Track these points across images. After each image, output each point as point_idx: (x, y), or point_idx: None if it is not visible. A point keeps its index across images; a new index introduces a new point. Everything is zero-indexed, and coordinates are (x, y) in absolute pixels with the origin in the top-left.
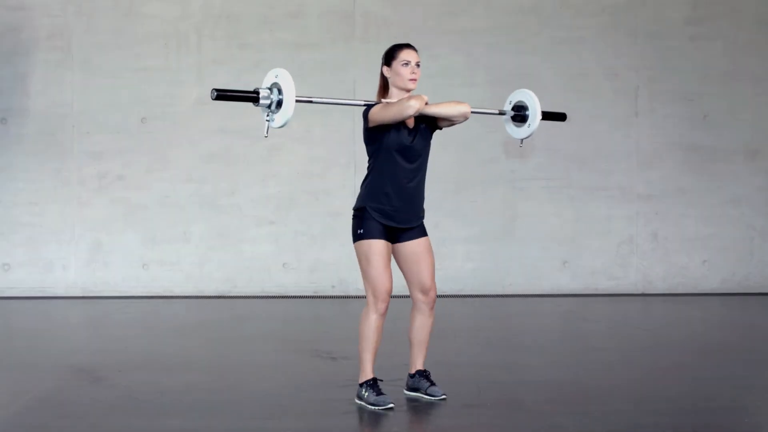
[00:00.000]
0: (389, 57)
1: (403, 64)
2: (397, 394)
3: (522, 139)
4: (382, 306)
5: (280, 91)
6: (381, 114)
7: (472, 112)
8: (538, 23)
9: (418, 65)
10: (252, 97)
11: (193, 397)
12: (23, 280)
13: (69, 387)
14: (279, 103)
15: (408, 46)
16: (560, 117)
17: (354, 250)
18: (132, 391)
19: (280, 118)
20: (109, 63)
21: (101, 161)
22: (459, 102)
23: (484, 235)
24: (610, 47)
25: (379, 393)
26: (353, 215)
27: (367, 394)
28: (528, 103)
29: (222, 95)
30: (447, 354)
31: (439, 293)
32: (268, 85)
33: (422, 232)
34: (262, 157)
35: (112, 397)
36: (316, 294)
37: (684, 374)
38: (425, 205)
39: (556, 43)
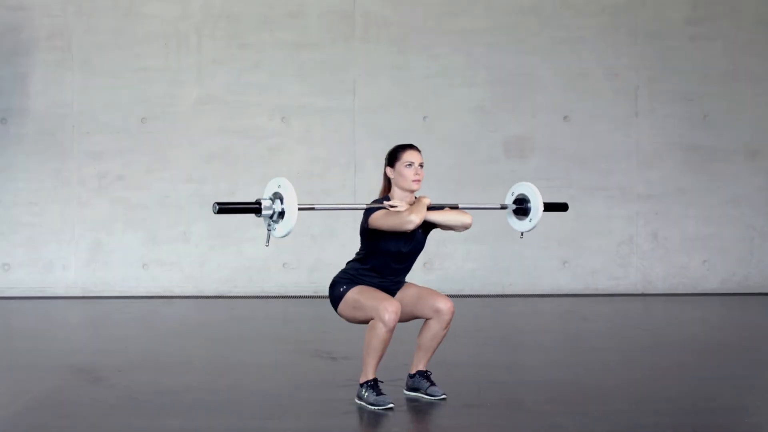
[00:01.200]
0: (392, 158)
1: (406, 165)
2: (397, 394)
3: (522, 233)
4: (392, 319)
5: (282, 201)
6: (380, 222)
7: (474, 209)
8: (538, 23)
9: (421, 166)
10: (254, 208)
11: (193, 397)
12: (23, 280)
13: (69, 387)
14: (281, 214)
15: (411, 147)
16: (562, 207)
17: (339, 316)
18: (132, 391)
19: (282, 228)
20: (109, 63)
21: (101, 161)
22: (462, 212)
23: (484, 235)
24: (610, 47)
25: (379, 393)
26: (332, 284)
27: (367, 394)
28: (530, 197)
29: (224, 209)
30: (447, 354)
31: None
32: (270, 195)
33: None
34: (262, 157)
35: (112, 397)
36: (316, 294)
37: (684, 374)
38: None
39: (556, 43)
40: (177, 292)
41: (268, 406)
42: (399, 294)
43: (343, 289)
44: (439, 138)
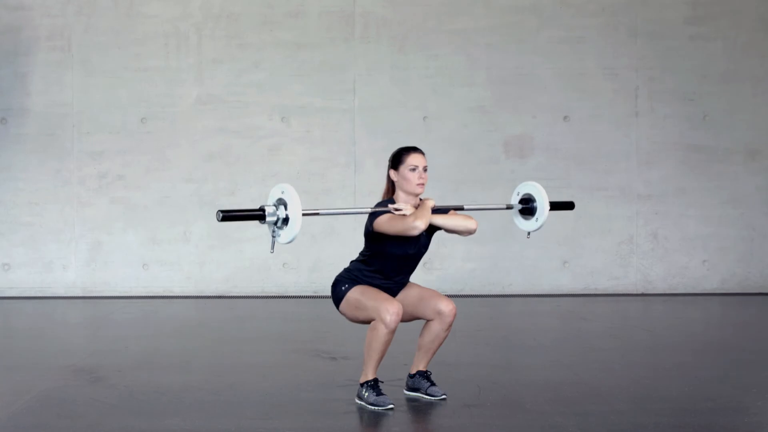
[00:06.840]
0: (396, 161)
1: (410, 169)
2: (397, 394)
3: (529, 232)
4: (393, 321)
5: (285, 207)
6: (385, 226)
7: (479, 210)
8: (538, 23)
9: (425, 169)
10: (258, 215)
11: (193, 397)
12: (23, 280)
13: (69, 387)
14: (285, 220)
15: (415, 149)
16: (568, 206)
17: (342, 316)
18: (132, 391)
19: (286, 234)
20: (109, 63)
21: (101, 161)
22: (467, 217)
23: (484, 234)
24: (610, 47)
25: (379, 393)
26: (334, 282)
27: (367, 394)
28: (536, 196)
29: (228, 216)
30: (447, 354)
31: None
32: (274, 201)
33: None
34: (262, 156)
35: (112, 397)
36: (316, 294)
37: (684, 374)
38: None
39: (556, 43)
40: (177, 292)
41: (268, 406)
42: (401, 294)
43: (345, 288)
44: (439, 138)
